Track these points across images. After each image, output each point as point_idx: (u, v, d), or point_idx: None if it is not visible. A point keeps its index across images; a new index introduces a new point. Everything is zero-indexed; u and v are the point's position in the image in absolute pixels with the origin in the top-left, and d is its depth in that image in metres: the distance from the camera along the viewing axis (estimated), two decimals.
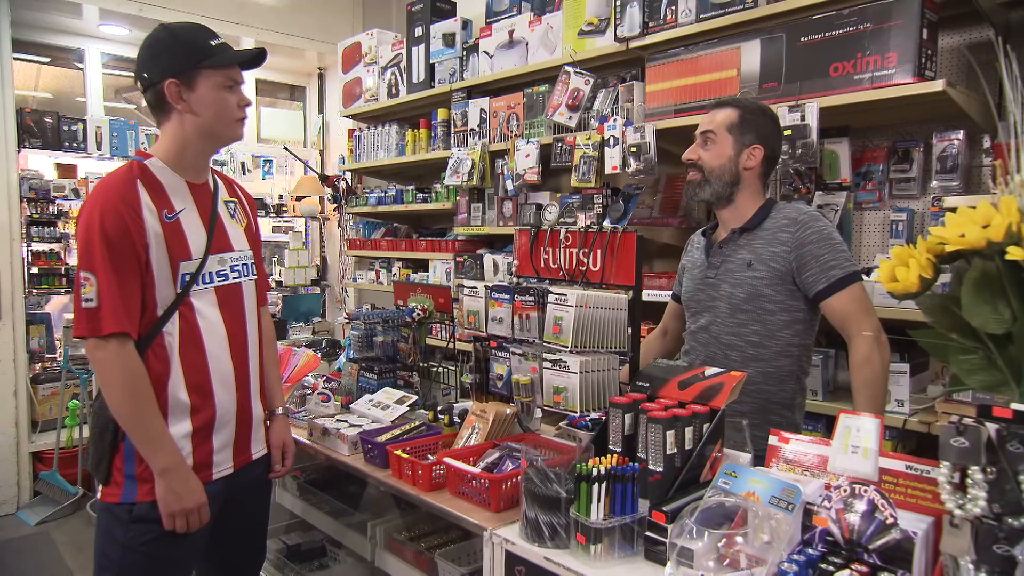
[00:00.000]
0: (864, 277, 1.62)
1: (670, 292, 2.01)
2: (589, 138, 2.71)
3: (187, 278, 1.41)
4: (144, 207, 1.37)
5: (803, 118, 2.04)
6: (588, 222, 2.77)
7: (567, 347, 1.45)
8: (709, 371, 1.36)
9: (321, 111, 5.17)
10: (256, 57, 1.50)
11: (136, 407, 1.34)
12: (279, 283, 4.85)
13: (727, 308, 1.67)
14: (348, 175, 4.46)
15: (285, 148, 4.72)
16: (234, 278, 1.51)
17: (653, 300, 2.38)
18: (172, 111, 1.44)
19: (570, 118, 2.84)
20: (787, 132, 2.04)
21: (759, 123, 1.67)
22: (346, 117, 4.37)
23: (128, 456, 1.38)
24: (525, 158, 3.02)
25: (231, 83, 1.46)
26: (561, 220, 2.86)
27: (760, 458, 1.27)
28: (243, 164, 4.75)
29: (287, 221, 5.26)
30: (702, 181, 1.70)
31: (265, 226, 5.26)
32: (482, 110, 3.32)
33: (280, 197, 5.11)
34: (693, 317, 1.78)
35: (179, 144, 1.46)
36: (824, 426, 2.10)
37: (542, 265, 1.71)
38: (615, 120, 2.63)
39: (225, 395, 1.47)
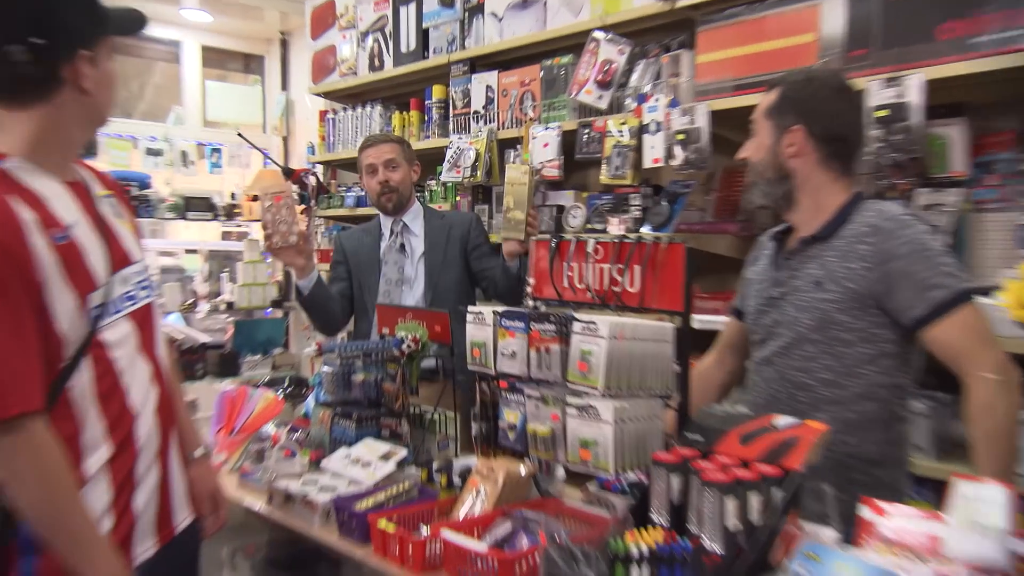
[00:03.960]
0: (980, 298, 1.60)
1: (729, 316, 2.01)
2: (624, 123, 2.70)
3: (95, 313, 1.40)
4: (29, 232, 1.30)
5: (902, 94, 2.04)
6: (623, 230, 2.76)
7: (597, 389, 1.45)
8: (780, 421, 1.36)
9: (284, 87, 5.24)
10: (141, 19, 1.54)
11: (58, 506, 1.30)
12: (230, 305, 4.90)
13: (792, 337, 1.69)
14: (319, 169, 4.47)
15: (239, 135, 4.72)
16: (143, 298, 1.51)
17: (707, 328, 2.35)
18: (54, 91, 1.38)
19: (600, 97, 2.84)
20: (881, 113, 2.04)
21: (801, 96, 1.69)
22: (317, 95, 4.40)
23: (26, 548, 1.34)
24: (543, 148, 3.01)
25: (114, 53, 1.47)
26: (588, 227, 2.88)
27: (848, 535, 1.25)
28: (183, 154, 4.80)
29: (240, 226, 5.31)
30: (751, 183, 1.74)
31: (213, 232, 5.31)
32: (489, 87, 3.35)
33: (232, 196, 5.13)
34: (756, 345, 1.80)
35: (51, 134, 1.40)
36: (936, 494, 2.07)
37: (565, 285, 1.73)
38: (657, 100, 2.63)
39: (148, 447, 1.48)
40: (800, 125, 1.68)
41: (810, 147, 1.69)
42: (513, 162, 3.26)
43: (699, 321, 2.36)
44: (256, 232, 5.21)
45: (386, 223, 2.92)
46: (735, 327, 1.97)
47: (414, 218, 2.91)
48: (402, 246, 2.87)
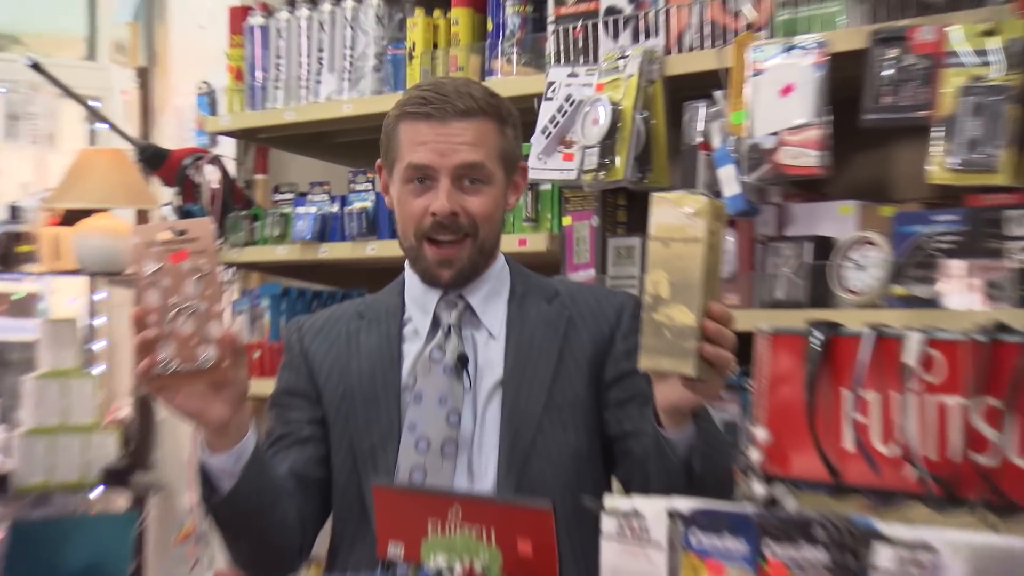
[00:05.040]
0: None
1: None
2: (988, 31, 2.04)
3: None
4: None
5: None
6: (989, 304, 2.06)
7: None
8: None
9: None
10: None
11: None
12: (0, 481, 3.40)
13: None
14: (226, 149, 3.19)
15: (34, 66, 3.26)
16: None
17: None
18: None
19: None
20: None
21: None
22: None
23: None
24: (779, 99, 2.30)
25: None
26: (899, 294, 2.15)
27: None
28: None
29: (24, 281, 3.71)
30: None
31: None
32: None
33: (12, 213, 3.54)
34: None
35: None
36: None
37: (847, 446, 1.33)
38: None
39: None
40: None
41: None
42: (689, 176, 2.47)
43: None
44: (68, 293, 3.64)
45: (422, 299, 1.78)
46: None
47: (490, 295, 1.77)
48: (461, 360, 1.73)
